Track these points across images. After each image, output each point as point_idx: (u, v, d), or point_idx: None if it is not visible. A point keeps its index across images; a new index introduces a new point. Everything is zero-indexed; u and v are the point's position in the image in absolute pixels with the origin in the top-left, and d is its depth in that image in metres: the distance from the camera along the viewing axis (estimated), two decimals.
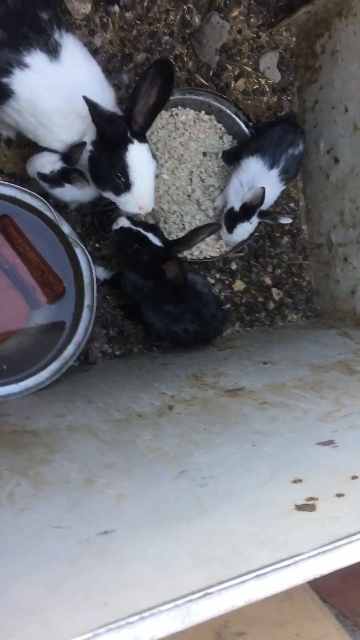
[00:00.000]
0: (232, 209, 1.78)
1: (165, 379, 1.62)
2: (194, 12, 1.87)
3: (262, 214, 1.77)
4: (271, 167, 1.74)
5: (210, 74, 1.91)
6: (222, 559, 0.75)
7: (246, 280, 2.02)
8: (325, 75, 1.85)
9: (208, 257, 1.94)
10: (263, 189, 1.68)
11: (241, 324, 2.02)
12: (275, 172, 1.75)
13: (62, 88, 1.40)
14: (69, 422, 1.36)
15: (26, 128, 1.50)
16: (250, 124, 1.90)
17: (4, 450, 1.20)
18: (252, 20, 1.93)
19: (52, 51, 1.37)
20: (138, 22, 1.81)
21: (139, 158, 1.42)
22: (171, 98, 1.81)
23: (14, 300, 1.67)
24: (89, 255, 1.65)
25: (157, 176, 1.86)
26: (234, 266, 2.01)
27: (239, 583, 0.67)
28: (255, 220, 1.77)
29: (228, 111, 1.88)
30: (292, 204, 2.06)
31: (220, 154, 1.92)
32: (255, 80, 1.96)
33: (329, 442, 1.09)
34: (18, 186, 1.60)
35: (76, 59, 1.41)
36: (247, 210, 1.74)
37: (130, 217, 1.65)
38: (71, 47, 1.40)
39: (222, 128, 1.93)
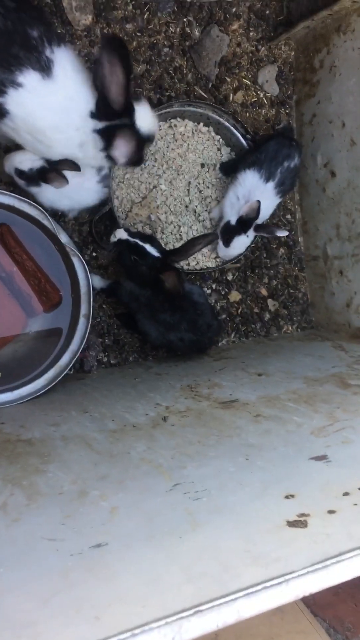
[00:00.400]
0: (228, 223, 1.79)
1: (160, 389, 1.62)
2: (194, 25, 1.88)
3: (258, 227, 1.78)
4: (267, 180, 1.75)
5: (209, 86, 1.93)
6: (213, 575, 0.76)
7: (242, 291, 2.03)
8: (323, 89, 1.87)
9: (204, 267, 1.95)
10: (258, 202, 1.69)
11: (236, 335, 2.03)
12: (271, 185, 1.76)
13: (56, 104, 1.40)
14: (63, 431, 1.37)
15: (24, 144, 1.50)
16: (248, 136, 1.92)
17: None
18: (251, 33, 1.95)
19: (45, 68, 1.36)
20: (138, 34, 1.82)
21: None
22: (170, 110, 1.83)
23: (10, 308, 1.68)
24: (85, 265, 1.65)
25: (154, 187, 1.88)
26: (230, 277, 2.02)
27: (230, 600, 0.68)
28: (251, 233, 1.78)
29: (226, 123, 1.89)
30: (288, 216, 2.08)
31: (218, 166, 1.94)
32: (254, 93, 1.98)
33: (322, 457, 1.10)
34: (17, 195, 1.60)
35: (68, 73, 1.39)
36: (244, 224, 1.76)
37: (128, 229, 1.66)
38: (63, 62, 1.38)
39: (221, 140, 1.95)
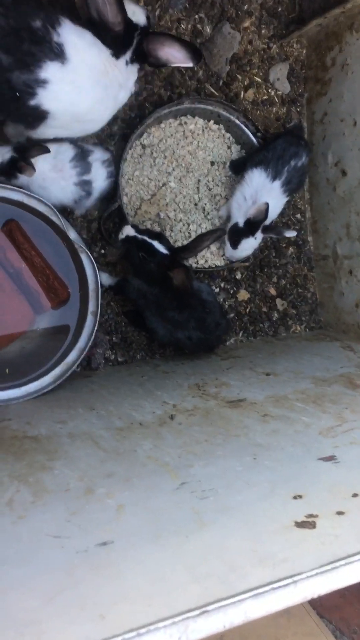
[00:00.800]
0: (236, 225, 1.78)
1: (168, 388, 1.62)
2: (205, 22, 1.87)
3: (266, 229, 1.77)
4: (274, 179, 1.73)
5: (220, 83, 1.92)
6: (219, 575, 0.75)
7: (251, 290, 2.02)
8: (335, 88, 1.86)
9: (213, 266, 1.94)
10: (266, 204, 1.68)
11: (244, 334, 2.02)
12: (277, 183, 1.74)
13: (87, 78, 1.40)
14: (70, 428, 1.36)
15: (71, 134, 1.52)
16: (259, 134, 1.91)
17: (4, 455, 1.20)
18: (263, 31, 1.94)
19: (59, 55, 1.34)
20: (150, 30, 1.81)
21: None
22: (180, 107, 1.82)
23: (18, 305, 1.67)
24: (94, 262, 1.65)
25: (164, 184, 1.87)
26: (238, 276, 2.01)
27: (236, 602, 0.67)
28: (259, 235, 1.77)
29: (237, 121, 1.88)
30: (298, 215, 2.06)
31: (228, 164, 1.93)
32: (265, 91, 1.96)
33: (330, 458, 1.09)
34: (26, 191, 1.60)
35: (79, 45, 1.38)
36: (252, 226, 1.74)
37: (136, 226, 1.66)
38: (70, 38, 1.36)
39: (231, 137, 1.93)
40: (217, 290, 1.98)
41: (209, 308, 1.78)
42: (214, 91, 1.91)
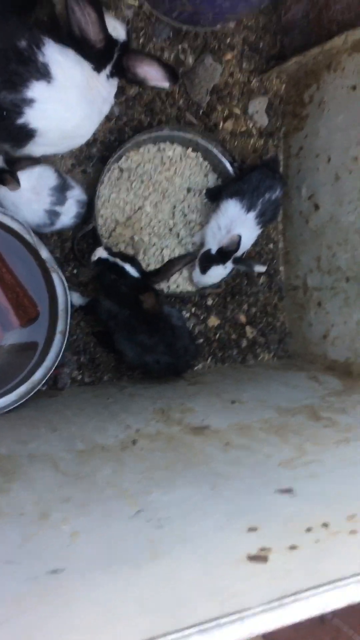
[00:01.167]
0: (208, 251, 1.80)
1: (132, 411, 1.61)
2: (188, 53, 1.91)
3: (237, 260, 1.79)
4: (248, 210, 1.77)
5: (200, 113, 1.95)
6: (168, 608, 0.74)
7: (221, 316, 2.04)
8: (312, 124, 1.90)
9: (185, 291, 1.95)
10: (239, 236, 1.71)
11: (213, 360, 2.03)
12: (252, 215, 1.78)
13: (73, 96, 1.43)
14: (30, 449, 1.35)
15: (58, 151, 1.56)
16: (235, 164, 1.94)
17: None
18: (244, 65, 1.98)
19: (45, 74, 1.37)
20: None
21: None
22: (160, 133, 1.85)
23: None
24: (65, 282, 1.65)
25: (139, 208, 1.89)
26: (209, 302, 2.02)
27: (182, 637, 0.67)
28: (229, 265, 1.80)
29: (214, 150, 1.91)
30: (271, 245, 2.09)
31: (204, 191, 1.95)
32: (244, 123, 2.00)
33: (288, 490, 1.10)
34: None
35: (63, 63, 1.40)
36: (223, 255, 1.77)
37: (109, 248, 1.67)
38: (54, 57, 1.39)
39: (208, 166, 1.96)
40: (187, 315, 1.99)
41: (178, 333, 1.78)
42: (193, 120, 1.94)
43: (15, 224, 1.61)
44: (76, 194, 1.71)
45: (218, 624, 0.68)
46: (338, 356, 1.88)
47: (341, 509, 1.00)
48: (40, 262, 1.65)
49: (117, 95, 1.80)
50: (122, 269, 1.64)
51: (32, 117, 1.39)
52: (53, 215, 1.68)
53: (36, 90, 1.36)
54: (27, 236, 1.62)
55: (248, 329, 2.07)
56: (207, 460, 1.27)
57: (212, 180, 1.97)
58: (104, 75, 1.50)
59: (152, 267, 1.89)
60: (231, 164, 1.92)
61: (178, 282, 1.94)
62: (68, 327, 1.67)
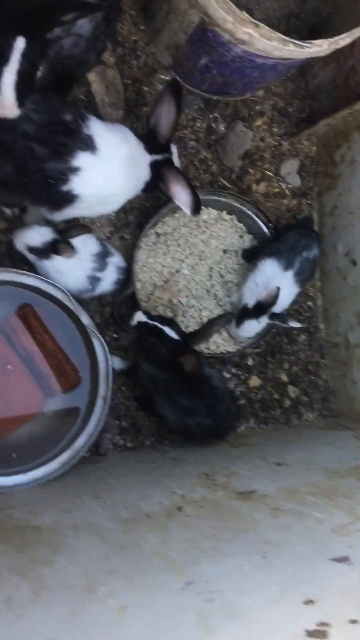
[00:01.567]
0: (245, 306, 1.81)
1: (176, 476, 1.58)
2: (219, 121, 1.98)
3: (273, 316, 1.79)
4: (286, 269, 1.77)
5: (233, 177, 1.99)
6: None
7: (262, 376, 2.01)
8: (344, 182, 1.92)
9: (224, 351, 1.94)
10: (278, 289, 1.71)
11: (255, 421, 1.99)
12: (290, 274, 1.78)
13: (116, 166, 1.52)
14: (74, 518, 1.33)
15: (89, 214, 1.65)
16: (270, 224, 1.96)
17: (6, 547, 1.17)
18: (274, 129, 2.03)
19: (90, 146, 1.46)
20: None
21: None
22: None
23: (28, 388, 1.67)
24: (106, 347, 1.66)
25: (177, 271, 1.91)
26: (250, 362, 2.00)
27: None
28: (264, 320, 1.79)
29: (249, 212, 1.94)
30: (310, 303, 2.08)
31: (240, 252, 1.97)
32: (276, 185, 2.04)
33: (344, 559, 1.04)
34: (40, 276, 1.64)
35: (107, 137, 1.50)
36: (260, 309, 1.77)
37: (147, 312, 1.68)
38: (98, 130, 1.48)
39: (243, 227, 1.99)
40: (228, 376, 1.97)
41: (219, 395, 1.76)
42: (227, 184, 1.98)
43: (56, 291, 1.65)
44: (116, 261, 1.76)
45: None
46: None
47: None
48: (81, 328, 1.67)
49: None
50: (162, 332, 1.64)
51: (76, 184, 1.47)
52: (94, 281, 1.72)
53: (82, 159, 1.45)
54: (68, 303, 1.65)
55: (290, 388, 2.04)
56: (255, 526, 1.23)
57: (247, 241, 1.99)
58: (148, 159, 1.61)
59: (191, 329, 1.89)
60: (266, 225, 1.94)
61: (218, 343, 1.94)
62: (109, 391, 1.67)
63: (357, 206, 1.86)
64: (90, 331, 1.66)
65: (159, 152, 1.62)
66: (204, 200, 1.91)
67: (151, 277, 1.90)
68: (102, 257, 1.71)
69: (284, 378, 2.03)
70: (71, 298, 1.64)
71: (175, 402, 1.74)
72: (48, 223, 1.70)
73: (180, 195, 1.60)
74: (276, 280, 1.76)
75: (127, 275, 1.80)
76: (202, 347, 1.88)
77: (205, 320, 1.92)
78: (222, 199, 1.92)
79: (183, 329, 1.74)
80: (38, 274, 1.66)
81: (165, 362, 1.68)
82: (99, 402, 1.67)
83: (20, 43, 1.22)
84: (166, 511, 1.34)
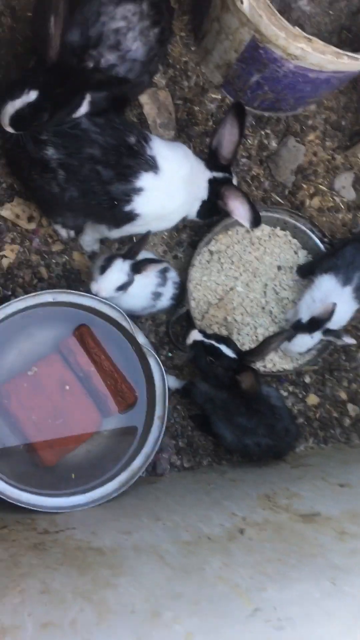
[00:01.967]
0: (299, 320, 1.77)
1: (235, 497, 1.55)
2: (270, 137, 1.96)
3: (327, 332, 1.74)
4: (344, 284, 1.73)
5: (286, 192, 1.97)
6: None
7: (320, 394, 1.96)
8: None
9: (281, 369, 1.91)
10: (334, 304, 1.67)
11: (315, 440, 1.94)
12: (348, 289, 1.74)
13: (177, 185, 1.56)
14: (135, 540, 1.31)
15: (143, 230, 1.63)
16: (325, 239, 1.92)
17: (68, 568, 1.16)
18: (327, 143, 2.00)
19: (152, 166, 1.50)
20: None
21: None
22: None
23: (86, 408, 1.68)
24: (162, 366, 1.66)
25: (231, 289, 1.90)
26: (307, 379, 1.96)
27: None
28: (317, 335, 1.74)
29: (303, 227, 1.91)
30: None
31: (295, 268, 1.94)
32: (330, 199, 2.00)
33: None
34: (97, 297, 1.65)
35: (170, 157, 1.54)
36: (313, 324, 1.73)
37: (203, 330, 1.67)
38: (160, 151, 1.52)
39: (297, 243, 1.96)
40: (285, 394, 1.93)
41: (278, 414, 1.73)
42: (280, 200, 1.96)
43: (112, 311, 1.66)
44: (173, 276, 1.78)
45: None
46: None
47: None
48: (137, 347, 1.68)
49: None
50: (218, 350, 1.63)
51: (139, 203, 1.52)
52: (156, 296, 1.74)
53: (145, 180, 1.50)
54: (123, 322, 1.66)
55: (350, 406, 1.98)
56: (322, 551, 1.19)
57: (302, 257, 1.96)
58: (208, 176, 1.64)
59: (246, 347, 1.86)
60: (321, 240, 1.90)
61: (274, 361, 1.90)
62: (166, 411, 1.66)
63: None
64: (146, 350, 1.66)
65: (220, 170, 1.65)
66: None
67: (205, 295, 1.89)
68: (163, 272, 1.74)
69: (343, 396, 1.98)
70: (127, 317, 1.65)
71: (233, 421, 1.72)
72: (103, 242, 1.72)
73: (239, 210, 1.61)
74: (334, 296, 1.72)
75: (182, 290, 1.80)
76: (258, 365, 1.85)
77: (260, 337, 1.89)
78: (276, 215, 1.90)
79: (239, 347, 1.72)
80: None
81: (222, 380, 1.65)
82: (156, 422, 1.66)
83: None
84: (228, 534, 1.31)
